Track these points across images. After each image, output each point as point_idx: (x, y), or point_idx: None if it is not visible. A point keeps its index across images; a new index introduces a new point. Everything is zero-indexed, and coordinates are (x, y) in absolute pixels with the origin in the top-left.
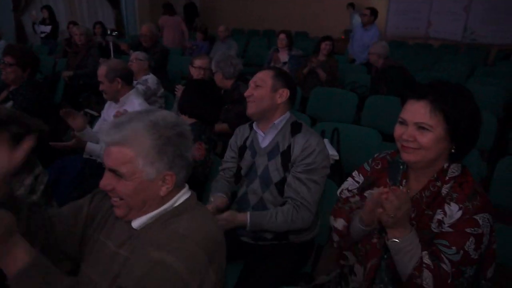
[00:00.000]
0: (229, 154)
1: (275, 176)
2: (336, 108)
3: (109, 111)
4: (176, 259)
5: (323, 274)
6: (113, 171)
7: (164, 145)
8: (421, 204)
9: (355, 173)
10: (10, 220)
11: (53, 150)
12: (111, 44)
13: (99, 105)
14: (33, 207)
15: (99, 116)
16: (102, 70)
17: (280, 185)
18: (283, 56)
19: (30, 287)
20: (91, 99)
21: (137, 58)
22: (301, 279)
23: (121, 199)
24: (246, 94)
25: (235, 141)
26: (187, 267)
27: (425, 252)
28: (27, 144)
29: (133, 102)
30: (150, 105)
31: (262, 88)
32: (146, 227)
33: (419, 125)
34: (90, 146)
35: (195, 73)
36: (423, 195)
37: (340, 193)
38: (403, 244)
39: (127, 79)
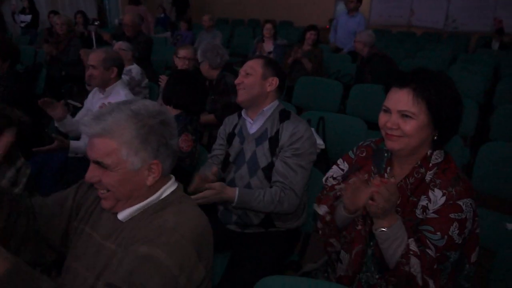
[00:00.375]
0: (218, 141)
1: (262, 162)
2: (321, 97)
3: (94, 101)
4: (165, 254)
5: (311, 262)
6: (98, 163)
7: (147, 134)
8: (406, 191)
9: (340, 161)
10: None
11: (35, 142)
12: (93, 34)
13: (82, 95)
14: (15, 196)
15: (82, 106)
16: (98, 56)
17: (267, 170)
18: (268, 46)
19: None
20: (73, 90)
21: (120, 48)
22: (288, 267)
23: (108, 190)
24: (236, 82)
25: (224, 129)
26: (176, 261)
27: (412, 239)
28: (7, 138)
29: (119, 93)
30: (134, 95)
31: (252, 76)
32: (132, 219)
33: (402, 113)
34: (73, 144)
35: (180, 63)
36: (408, 182)
37: (326, 180)
38: (391, 233)
39: (121, 70)
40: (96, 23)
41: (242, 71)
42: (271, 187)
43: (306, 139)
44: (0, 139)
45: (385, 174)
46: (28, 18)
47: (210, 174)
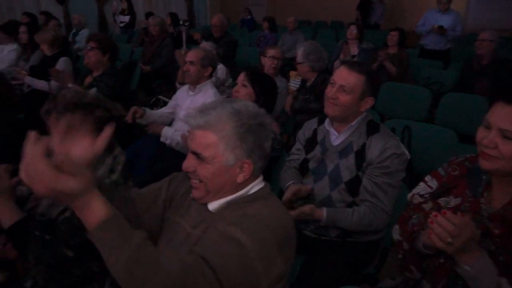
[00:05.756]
0: (297, 146)
1: (346, 175)
2: (407, 105)
3: (183, 96)
4: (245, 237)
5: (388, 278)
6: (196, 154)
7: (245, 132)
8: (506, 221)
9: (428, 178)
10: (90, 175)
11: (130, 133)
12: (183, 34)
13: (169, 92)
14: (115, 186)
15: None
16: (198, 54)
17: (350, 185)
18: (353, 49)
19: (107, 239)
20: (162, 87)
21: (205, 48)
22: (364, 280)
23: (200, 181)
24: (330, 95)
25: (303, 133)
26: (255, 247)
27: (504, 279)
28: (109, 131)
29: (208, 91)
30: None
31: (349, 95)
32: (220, 210)
33: (504, 133)
34: (165, 130)
35: (268, 63)
36: (509, 210)
37: (411, 198)
38: (475, 272)
39: (214, 70)
40: (186, 24)
41: (337, 82)
42: (352, 202)
43: (397, 157)
44: (102, 133)
45: (481, 200)
46: (126, 18)
47: (304, 189)
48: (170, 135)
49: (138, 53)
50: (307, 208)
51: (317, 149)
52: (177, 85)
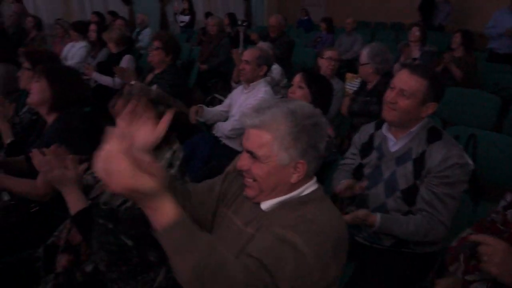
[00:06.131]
0: (351, 150)
1: (402, 183)
2: (472, 112)
3: (237, 94)
4: (301, 241)
5: None
6: (250, 152)
7: (299, 132)
8: None
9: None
10: (164, 175)
11: (187, 129)
12: (241, 34)
13: (225, 91)
14: (173, 179)
15: None
16: (254, 53)
17: (407, 193)
18: (415, 52)
19: (176, 241)
20: (218, 85)
21: (261, 48)
22: None
23: (254, 180)
24: (389, 99)
25: (359, 137)
26: (312, 250)
27: None
28: (169, 116)
29: (261, 90)
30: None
31: (410, 100)
32: (273, 209)
33: None
34: (219, 124)
35: (325, 64)
36: None
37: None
38: None
39: (269, 69)
40: (244, 24)
41: (397, 86)
42: (408, 211)
43: (460, 167)
44: (164, 116)
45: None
46: (186, 18)
47: (357, 186)
48: (220, 126)
49: (196, 52)
50: (361, 212)
51: (373, 155)
52: (233, 84)
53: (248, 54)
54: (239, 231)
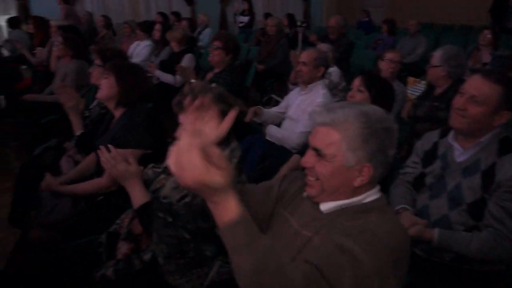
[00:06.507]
0: (413, 158)
1: (469, 196)
2: None
3: (294, 96)
4: (361, 250)
5: None
6: (316, 150)
7: (369, 135)
8: None
9: None
10: (232, 171)
11: (244, 128)
12: (300, 35)
13: (281, 91)
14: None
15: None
16: (311, 55)
17: (474, 207)
18: (485, 56)
19: (237, 238)
20: (275, 86)
21: (321, 50)
22: None
23: (317, 179)
24: (457, 105)
25: (421, 145)
26: (371, 261)
27: None
28: (233, 114)
29: (319, 92)
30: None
31: (480, 107)
32: (333, 213)
33: None
34: (270, 128)
35: (385, 66)
36: None
37: None
38: None
39: (326, 70)
40: (303, 25)
41: (467, 91)
42: (474, 226)
43: None
44: (228, 115)
45: None
46: (246, 19)
47: (420, 223)
48: (273, 133)
49: (254, 52)
50: (418, 230)
51: (437, 164)
52: (290, 85)
53: (306, 56)
54: (295, 232)
